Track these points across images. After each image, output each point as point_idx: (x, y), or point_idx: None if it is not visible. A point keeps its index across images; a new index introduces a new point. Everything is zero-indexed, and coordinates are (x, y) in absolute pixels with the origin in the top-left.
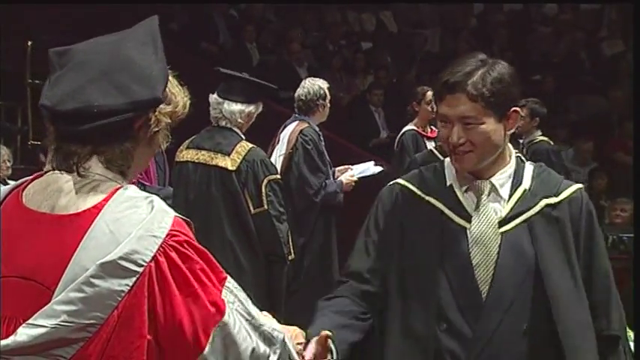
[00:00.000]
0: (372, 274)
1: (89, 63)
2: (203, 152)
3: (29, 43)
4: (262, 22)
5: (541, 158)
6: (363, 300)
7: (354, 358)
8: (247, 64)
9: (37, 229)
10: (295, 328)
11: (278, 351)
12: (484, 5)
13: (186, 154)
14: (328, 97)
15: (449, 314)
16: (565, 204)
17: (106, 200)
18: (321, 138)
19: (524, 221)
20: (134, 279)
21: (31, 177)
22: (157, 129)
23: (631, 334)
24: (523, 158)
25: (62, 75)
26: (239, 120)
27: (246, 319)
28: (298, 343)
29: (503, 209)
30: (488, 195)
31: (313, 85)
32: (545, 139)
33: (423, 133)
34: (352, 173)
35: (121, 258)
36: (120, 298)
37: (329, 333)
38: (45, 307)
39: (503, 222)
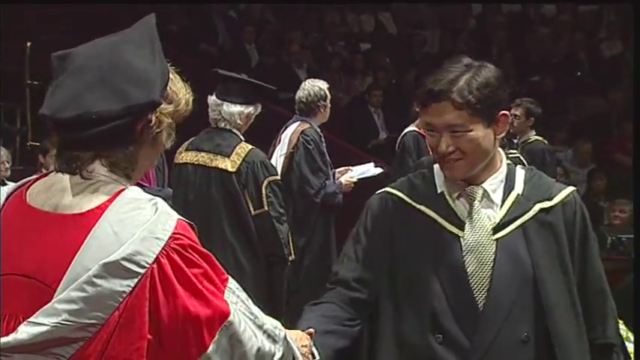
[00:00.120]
0: (361, 282)
1: (87, 68)
2: (202, 154)
3: (28, 43)
4: (261, 23)
5: (536, 158)
6: (351, 307)
7: None
8: (246, 65)
9: (40, 228)
10: (299, 331)
11: (281, 349)
12: (483, 6)
13: (185, 156)
14: (329, 97)
15: (444, 325)
16: (559, 208)
17: (110, 201)
18: (322, 139)
19: (519, 226)
20: (136, 280)
21: (35, 176)
22: (158, 130)
23: (630, 335)
24: (519, 159)
25: (62, 82)
26: (238, 121)
27: (250, 319)
28: (303, 346)
29: (497, 215)
30: (481, 201)
31: (313, 86)
32: (540, 138)
33: (425, 134)
34: (352, 174)
35: (123, 259)
36: (121, 299)
37: (311, 330)
38: (46, 306)
39: (497, 228)
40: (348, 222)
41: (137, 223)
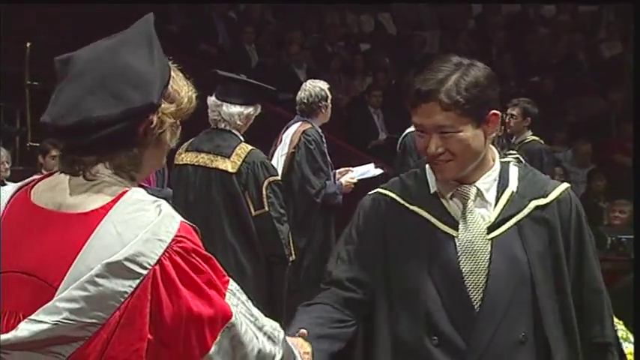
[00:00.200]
0: (355, 282)
1: (87, 72)
2: (202, 155)
3: (28, 44)
4: (261, 23)
5: (534, 158)
6: (345, 307)
7: None
8: (246, 66)
9: (43, 226)
10: (299, 339)
11: (282, 350)
12: (483, 7)
13: (185, 157)
14: (330, 98)
15: (440, 326)
16: (554, 205)
17: (114, 202)
18: (324, 140)
19: (514, 225)
20: (138, 281)
21: (40, 176)
22: (161, 130)
23: (630, 335)
24: (520, 160)
25: (62, 88)
26: (238, 122)
27: (251, 321)
28: (305, 352)
29: (491, 214)
30: (475, 200)
31: (314, 87)
32: (537, 138)
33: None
34: (352, 175)
35: (126, 259)
36: (123, 299)
37: (304, 331)
38: (47, 304)
39: (492, 227)
40: (348, 222)
41: (140, 224)
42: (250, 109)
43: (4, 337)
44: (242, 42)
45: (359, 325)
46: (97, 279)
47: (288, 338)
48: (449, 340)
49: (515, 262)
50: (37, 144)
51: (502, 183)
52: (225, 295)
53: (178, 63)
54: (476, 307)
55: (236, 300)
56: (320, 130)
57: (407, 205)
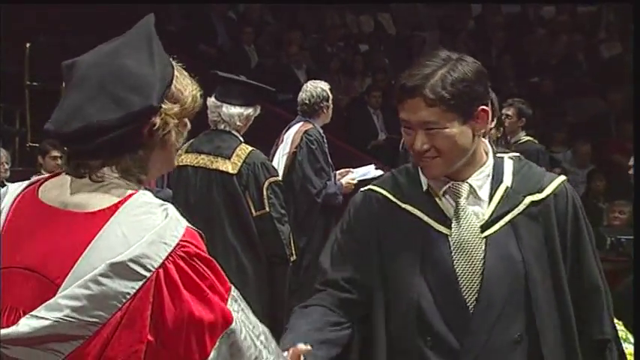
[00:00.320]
0: (351, 282)
1: (88, 77)
2: (203, 156)
3: (27, 44)
4: (260, 24)
5: (530, 158)
6: (341, 308)
7: None
8: (245, 66)
9: (48, 223)
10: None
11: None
12: (482, 7)
13: (185, 158)
14: (331, 98)
15: (434, 327)
16: (550, 199)
17: (121, 203)
18: (325, 140)
19: (509, 222)
20: (141, 283)
21: (48, 175)
22: (165, 131)
23: (630, 336)
24: (519, 157)
25: (66, 94)
26: (238, 123)
27: (249, 328)
28: None
29: (485, 212)
30: (467, 198)
31: (316, 87)
32: (531, 139)
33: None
34: (353, 176)
35: (130, 260)
36: (125, 300)
37: (302, 347)
38: (50, 301)
39: (485, 226)
40: None
41: (146, 226)
42: (250, 110)
43: (4, 331)
44: (241, 42)
45: (355, 327)
46: (100, 278)
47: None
48: (443, 341)
49: (510, 261)
50: (37, 144)
51: (496, 178)
52: (227, 300)
53: (177, 63)
54: (470, 307)
55: (237, 306)
56: (321, 131)
57: (399, 203)
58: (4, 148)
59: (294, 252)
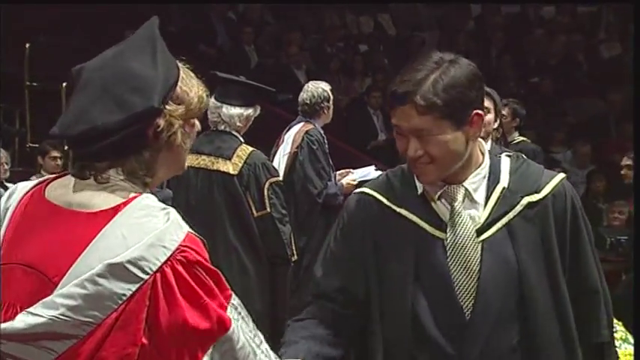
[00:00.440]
0: (343, 294)
1: (92, 81)
2: (203, 157)
3: (27, 45)
4: (260, 24)
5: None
6: (334, 321)
7: None
8: (245, 67)
9: (51, 222)
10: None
11: None
12: (482, 7)
13: None
14: (332, 99)
15: (430, 334)
16: (548, 200)
17: (124, 204)
18: (325, 140)
19: (505, 225)
20: (137, 285)
21: (58, 174)
22: (170, 133)
23: (630, 336)
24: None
25: (72, 98)
26: (238, 124)
27: (250, 337)
28: None
29: (481, 214)
30: (463, 201)
31: (317, 88)
32: (525, 139)
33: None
34: (353, 177)
35: (128, 262)
36: (120, 302)
37: None
38: (46, 299)
39: (481, 229)
40: None
41: (147, 229)
42: (250, 111)
43: (1, 326)
44: (241, 43)
45: (351, 337)
46: (97, 278)
47: None
48: (440, 348)
49: (506, 265)
50: (37, 145)
51: (492, 179)
52: (226, 308)
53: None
54: (467, 313)
55: (237, 315)
56: (322, 132)
57: (393, 207)
58: (3, 149)
59: (295, 252)
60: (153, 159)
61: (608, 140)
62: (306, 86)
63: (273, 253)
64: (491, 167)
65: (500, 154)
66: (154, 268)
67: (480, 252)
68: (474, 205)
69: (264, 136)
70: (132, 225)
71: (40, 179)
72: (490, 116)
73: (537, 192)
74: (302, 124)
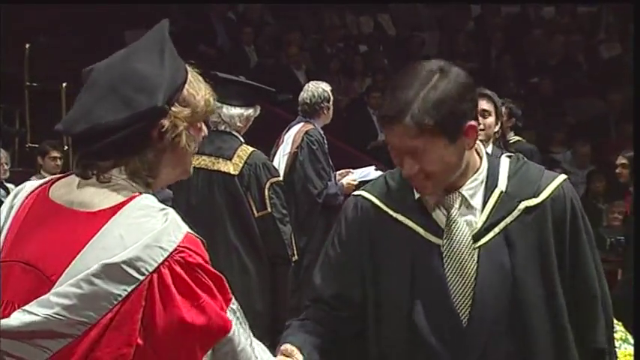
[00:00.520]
0: (340, 300)
1: (99, 81)
2: (204, 157)
3: (27, 45)
4: (260, 24)
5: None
6: (331, 326)
7: None
8: (245, 67)
9: (53, 221)
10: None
11: None
12: (482, 8)
13: None
14: (332, 99)
15: (427, 341)
16: (547, 204)
17: (123, 204)
18: (325, 140)
19: (502, 231)
20: (133, 286)
21: (63, 174)
22: (174, 134)
23: (630, 337)
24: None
25: (79, 97)
26: (238, 124)
27: (248, 342)
28: None
29: (478, 220)
30: (459, 208)
31: (317, 88)
32: (521, 139)
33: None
34: (353, 177)
35: (124, 262)
36: (116, 302)
37: (291, 347)
38: (42, 297)
39: (478, 235)
40: None
41: (145, 230)
42: (250, 111)
43: None
44: (241, 43)
45: (349, 341)
46: (92, 278)
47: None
48: (436, 355)
49: (503, 271)
50: (37, 145)
51: (490, 183)
52: (226, 310)
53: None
54: (463, 320)
55: (235, 319)
56: (322, 132)
57: (390, 212)
58: (3, 149)
59: (295, 252)
60: (156, 160)
61: (607, 140)
62: (306, 86)
63: (274, 253)
64: (489, 171)
65: (500, 155)
66: (150, 269)
67: (476, 258)
68: (470, 211)
69: (264, 137)
70: (130, 225)
71: (48, 178)
72: (491, 119)
73: (535, 196)
74: (302, 124)
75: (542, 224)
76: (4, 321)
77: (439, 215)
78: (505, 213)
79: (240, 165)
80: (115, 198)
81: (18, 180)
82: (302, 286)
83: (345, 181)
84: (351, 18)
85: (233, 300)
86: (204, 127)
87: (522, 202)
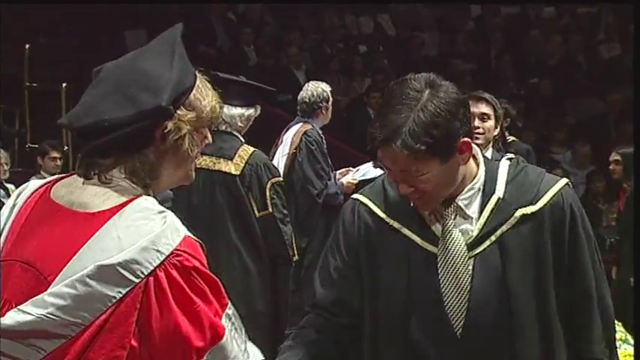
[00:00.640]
0: (339, 306)
1: (107, 78)
2: (205, 157)
3: (27, 46)
4: (260, 25)
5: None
6: (330, 332)
7: None
8: (245, 67)
9: (53, 221)
10: None
11: None
12: (481, 8)
13: None
14: (331, 100)
15: (421, 351)
16: (545, 211)
17: (122, 206)
18: (324, 140)
19: (498, 239)
20: (128, 289)
21: (65, 174)
22: (177, 137)
23: (630, 337)
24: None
25: (85, 93)
26: (239, 124)
27: (241, 349)
28: None
29: (474, 229)
30: (455, 218)
31: (317, 87)
32: (515, 139)
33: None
34: (353, 176)
35: (119, 264)
36: (110, 304)
37: None
38: (36, 297)
39: (473, 244)
40: None
41: (142, 232)
42: (251, 111)
43: None
44: (241, 43)
45: (349, 347)
46: (87, 279)
47: None
48: None
49: (498, 281)
50: (36, 145)
51: (487, 190)
52: (221, 316)
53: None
54: (458, 330)
55: (230, 325)
56: (320, 132)
57: (387, 220)
58: (3, 149)
59: (296, 252)
60: (158, 161)
61: (607, 141)
62: (306, 85)
63: (275, 253)
64: (486, 176)
65: (501, 158)
66: (146, 272)
67: (471, 267)
68: (466, 220)
69: (264, 137)
70: (128, 227)
71: (50, 178)
72: (490, 123)
73: (533, 203)
74: (300, 124)
75: (539, 232)
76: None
77: (435, 223)
78: (501, 220)
79: (242, 165)
80: (115, 199)
81: (18, 180)
82: (303, 286)
83: (345, 180)
84: (351, 18)
85: (229, 305)
86: (208, 135)
87: (519, 210)
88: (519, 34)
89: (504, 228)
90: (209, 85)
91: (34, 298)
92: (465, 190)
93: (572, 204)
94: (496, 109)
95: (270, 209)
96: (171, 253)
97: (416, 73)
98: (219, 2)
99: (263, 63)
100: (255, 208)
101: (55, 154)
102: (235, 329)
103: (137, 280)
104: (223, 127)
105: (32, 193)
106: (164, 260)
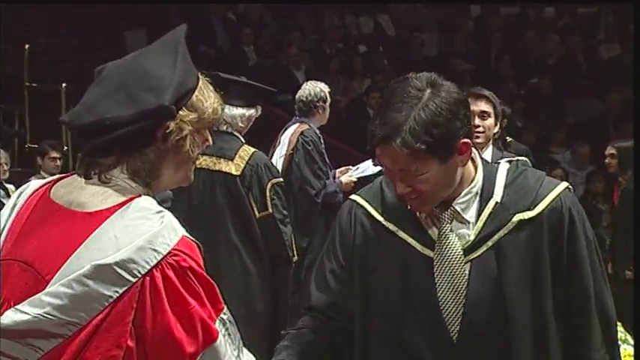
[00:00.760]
0: (333, 309)
1: (109, 77)
2: (205, 157)
3: (27, 46)
4: (260, 25)
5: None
6: (325, 335)
7: None
8: (245, 67)
9: (52, 220)
10: None
11: None
12: (481, 8)
13: None
14: (329, 100)
15: (418, 354)
16: (544, 216)
17: (120, 205)
18: (321, 140)
19: (495, 244)
20: (125, 288)
21: (66, 173)
22: (179, 137)
23: (629, 337)
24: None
25: (87, 92)
26: (240, 124)
27: (234, 355)
28: None
29: (471, 233)
30: (451, 222)
31: (315, 87)
32: (512, 139)
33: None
34: (352, 174)
35: (116, 264)
36: (107, 303)
37: None
38: (34, 296)
39: (470, 249)
40: None
41: (139, 231)
42: (252, 111)
43: None
44: (241, 43)
45: (343, 348)
46: (84, 279)
47: None
48: None
49: (494, 286)
50: (36, 146)
51: (485, 194)
52: (215, 320)
53: None
54: (453, 335)
55: (224, 330)
56: (317, 132)
57: (383, 222)
58: (3, 149)
59: (295, 253)
60: (158, 161)
61: (607, 141)
62: (304, 85)
63: (275, 253)
64: (484, 180)
65: (501, 159)
66: (143, 272)
67: (467, 272)
68: (463, 225)
69: (264, 137)
70: (125, 227)
71: (51, 178)
72: (490, 121)
73: (531, 208)
74: (297, 125)
75: (537, 236)
76: None
77: (432, 227)
78: (498, 225)
79: (242, 165)
80: (114, 199)
81: (17, 180)
82: (302, 286)
83: (344, 178)
84: (351, 18)
85: (225, 310)
86: (209, 137)
87: (517, 215)
88: (519, 34)
89: (501, 233)
90: (211, 87)
91: (31, 298)
92: (463, 193)
93: (572, 208)
94: (496, 106)
95: (271, 210)
96: (169, 252)
97: (416, 73)
98: (219, 2)
99: (263, 63)
100: (255, 209)
101: (55, 154)
102: (229, 335)
103: (134, 280)
104: (224, 128)
105: (33, 193)
106: (161, 260)
